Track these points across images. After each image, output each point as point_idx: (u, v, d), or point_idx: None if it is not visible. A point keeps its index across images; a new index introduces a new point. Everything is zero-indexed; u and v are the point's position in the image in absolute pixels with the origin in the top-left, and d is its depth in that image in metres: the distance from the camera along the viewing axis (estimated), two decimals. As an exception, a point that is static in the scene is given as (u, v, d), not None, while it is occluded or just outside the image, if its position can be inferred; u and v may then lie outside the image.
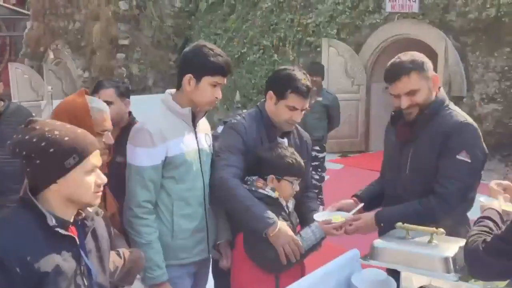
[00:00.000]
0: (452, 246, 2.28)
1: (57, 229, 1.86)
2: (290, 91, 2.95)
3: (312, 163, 5.57)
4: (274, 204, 2.87)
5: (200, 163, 2.93)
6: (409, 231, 2.41)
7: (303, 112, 3.03)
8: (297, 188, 2.95)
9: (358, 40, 11.56)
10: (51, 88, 12.85)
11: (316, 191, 6.56)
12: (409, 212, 2.74)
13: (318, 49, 11.86)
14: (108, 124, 2.61)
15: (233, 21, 13.97)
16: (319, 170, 7.11)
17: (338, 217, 2.87)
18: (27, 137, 1.87)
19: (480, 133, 2.82)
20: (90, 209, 2.02)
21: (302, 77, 2.98)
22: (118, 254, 2.57)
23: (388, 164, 3.08)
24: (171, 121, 2.86)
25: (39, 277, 1.78)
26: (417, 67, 2.77)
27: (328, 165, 8.11)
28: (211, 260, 3.14)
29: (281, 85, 2.99)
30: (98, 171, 1.97)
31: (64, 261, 1.86)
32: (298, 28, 12.48)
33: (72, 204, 1.94)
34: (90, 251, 2.01)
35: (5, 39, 20.28)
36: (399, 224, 2.42)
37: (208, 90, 2.84)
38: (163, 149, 2.79)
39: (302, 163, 2.92)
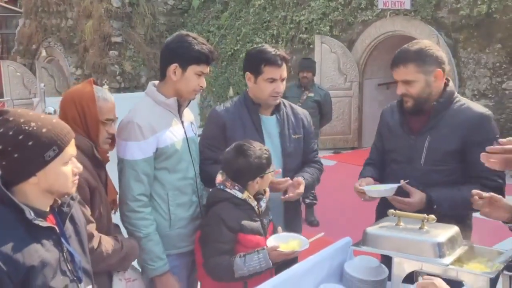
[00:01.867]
0: (443, 232, 2.31)
1: (37, 222, 1.83)
2: (264, 65, 3.03)
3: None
4: (242, 205, 2.77)
5: (190, 151, 2.98)
6: (401, 218, 2.43)
7: (283, 82, 3.09)
8: (267, 184, 2.85)
9: (351, 36, 11.60)
10: (44, 85, 12.80)
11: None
12: (464, 194, 2.66)
13: (311, 46, 11.89)
14: (113, 115, 2.69)
15: (226, 18, 13.97)
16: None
17: (296, 242, 2.72)
18: (1, 129, 1.79)
19: None
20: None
21: (272, 49, 3.06)
22: (116, 239, 2.62)
23: (394, 155, 3.00)
24: (158, 112, 2.88)
25: (25, 272, 1.77)
26: (418, 58, 2.76)
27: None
28: None
29: (254, 62, 3.08)
30: (74, 159, 1.95)
31: (47, 251, 1.85)
32: (291, 25, 12.50)
33: (51, 195, 1.92)
34: (70, 236, 2.01)
35: (-3, 37, 20.19)
36: (391, 211, 2.44)
37: (193, 79, 2.87)
38: (154, 141, 2.81)
39: (266, 158, 2.79)
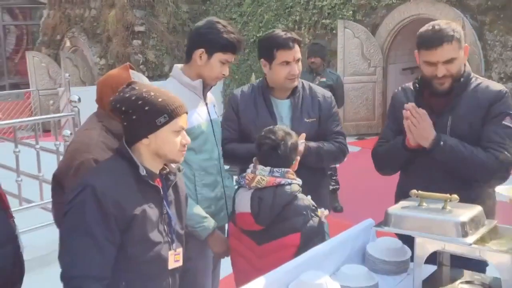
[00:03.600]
0: (466, 212, 2.28)
1: (147, 179, 2.13)
2: (276, 49, 3.07)
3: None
4: None
5: (214, 133, 3.05)
6: (423, 198, 2.41)
7: (299, 62, 3.12)
8: None
9: (374, 21, 11.48)
10: (69, 76, 12.93)
11: (330, 172, 6.55)
12: (475, 152, 2.72)
13: (334, 31, 11.80)
14: None
15: (248, 5, 13.93)
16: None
17: None
18: (127, 95, 2.12)
19: None
20: (173, 165, 2.29)
21: (281, 33, 3.10)
22: None
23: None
24: (184, 94, 2.91)
25: (129, 218, 2.06)
26: (458, 35, 2.75)
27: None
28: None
29: (266, 48, 3.14)
30: (184, 132, 2.21)
31: (149, 207, 2.14)
32: (314, 11, 12.42)
33: (159, 159, 2.19)
34: (171, 202, 2.28)
35: (22, 28, 20.43)
36: (413, 191, 2.41)
37: (217, 66, 2.94)
38: None
39: None
